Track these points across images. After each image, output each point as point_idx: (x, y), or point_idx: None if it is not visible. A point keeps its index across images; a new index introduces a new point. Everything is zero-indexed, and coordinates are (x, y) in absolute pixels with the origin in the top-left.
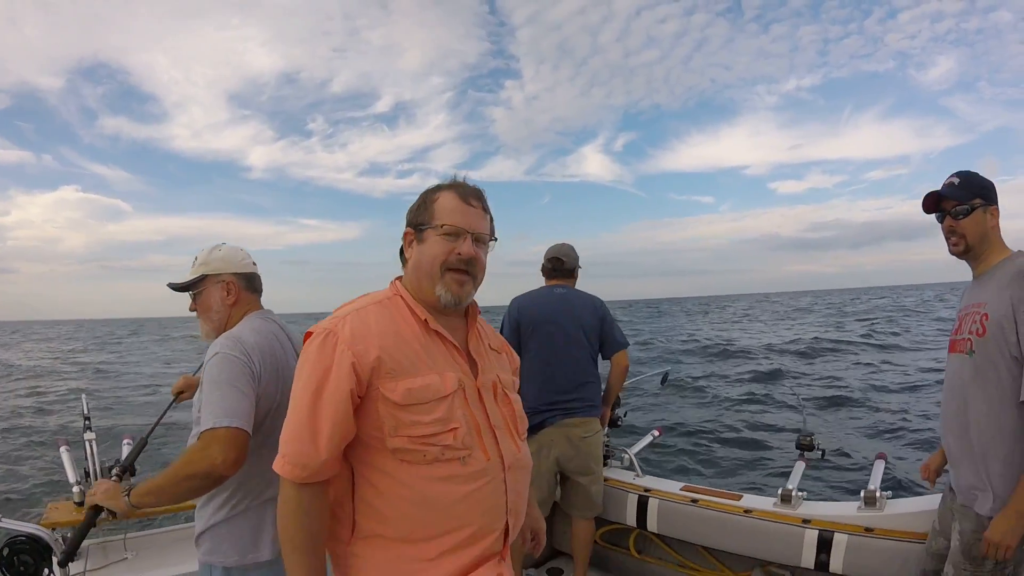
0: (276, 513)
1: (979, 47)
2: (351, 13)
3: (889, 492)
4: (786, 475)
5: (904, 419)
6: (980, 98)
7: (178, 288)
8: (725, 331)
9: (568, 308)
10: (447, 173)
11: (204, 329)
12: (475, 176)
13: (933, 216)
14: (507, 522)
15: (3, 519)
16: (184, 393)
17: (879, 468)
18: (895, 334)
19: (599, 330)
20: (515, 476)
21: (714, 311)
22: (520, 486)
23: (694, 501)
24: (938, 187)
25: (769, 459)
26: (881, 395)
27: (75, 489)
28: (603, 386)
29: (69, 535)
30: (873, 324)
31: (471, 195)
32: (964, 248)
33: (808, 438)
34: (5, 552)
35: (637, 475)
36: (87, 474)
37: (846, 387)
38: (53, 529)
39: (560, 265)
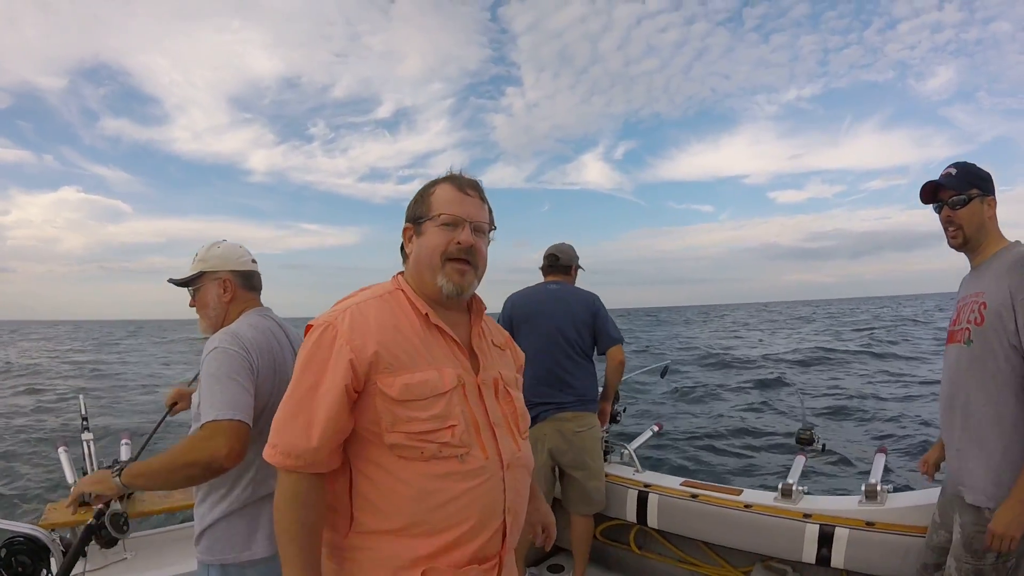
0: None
1: (978, 57)
2: (352, 18)
3: (890, 486)
4: (786, 470)
5: (901, 425)
6: (979, 108)
7: (177, 283)
8: (724, 340)
9: (560, 303)
10: None
11: (202, 325)
12: None
13: (932, 220)
14: (505, 521)
15: (0, 520)
16: (178, 404)
17: (880, 461)
18: (892, 343)
19: (592, 325)
20: (514, 475)
21: (713, 320)
22: (520, 485)
23: (694, 496)
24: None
25: (769, 454)
26: (880, 401)
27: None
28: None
29: (67, 536)
30: (872, 334)
31: (467, 185)
32: (962, 240)
33: (808, 432)
34: (3, 553)
35: (637, 470)
36: (85, 474)
37: (845, 391)
38: (52, 530)
39: (555, 261)
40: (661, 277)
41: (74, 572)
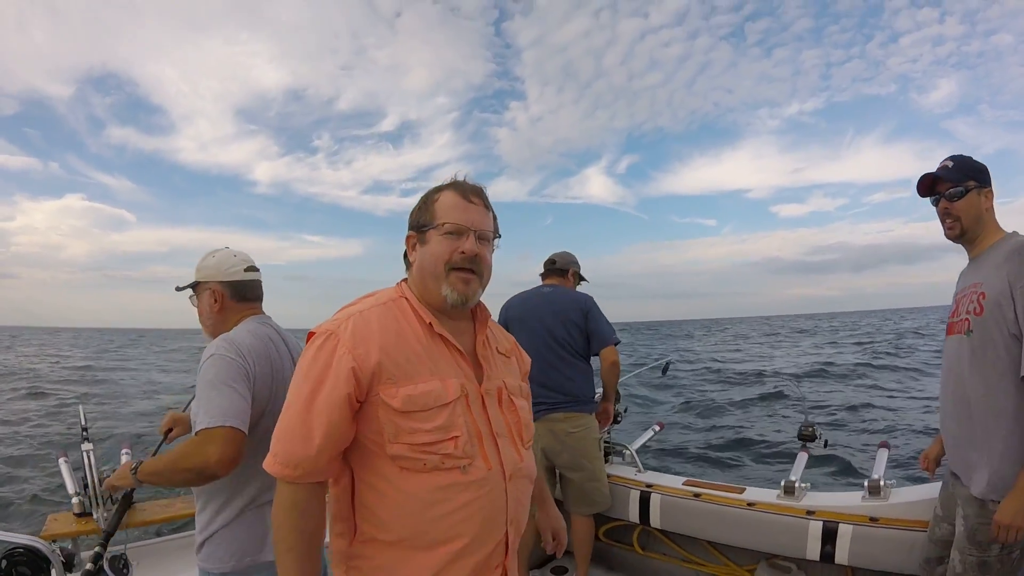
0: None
1: (980, 70)
2: (359, 32)
3: (893, 481)
4: (789, 467)
5: (903, 421)
6: (981, 120)
7: (180, 290)
8: (726, 352)
9: (551, 304)
10: None
11: (203, 332)
12: None
13: (935, 233)
14: (507, 532)
15: (1, 532)
16: (174, 430)
17: (883, 457)
18: (890, 353)
19: (584, 325)
20: (516, 485)
21: (715, 333)
22: (522, 495)
23: (697, 495)
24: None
25: (771, 451)
26: (880, 401)
27: (74, 500)
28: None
29: (68, 546)
30: (873, 346)
31: (471, 192)
32: (959, 231)
33: (810, 428)
34: (3, 564)
35: (639, 471)
36: (85, 485)
37: (845, 395)
38: (53, 541)
39: (551, 265)
40: (663, 291)
41: None
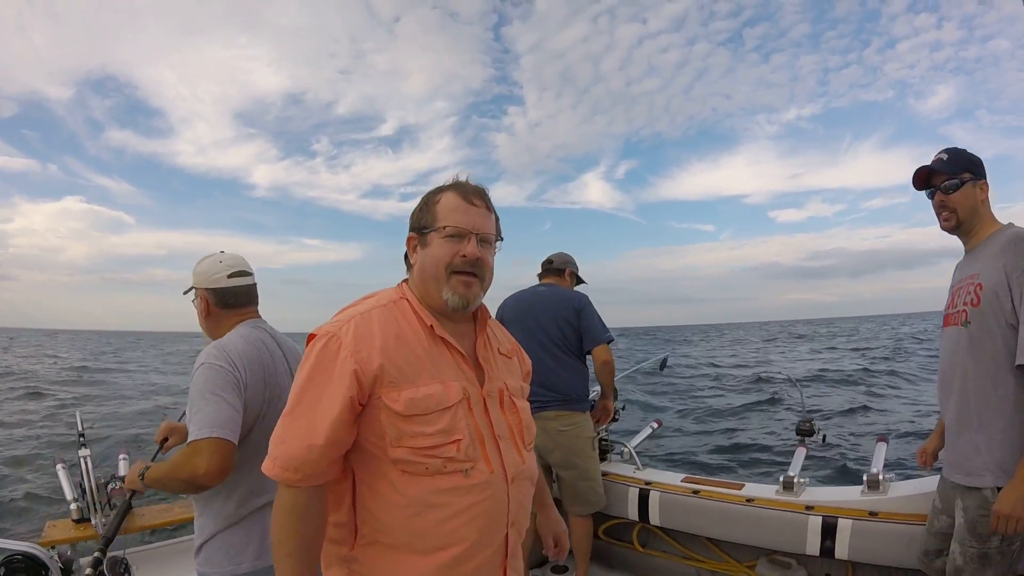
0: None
1: (977, 75)
2: (357, 36)
3: (892, 475)
4: (787, 462)
5: (901, 416)
6: (979, 126)
7: (185, 293)
8: (724, 357)
9: (545, 303)
10: None
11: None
12: None
13: (934, 239)
14: (507, 535)
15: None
16: (170, 440)
17: (881, 451)
18: (887, 358)
19: (577, 324)
20: (518, 488)
21: (713, 338)
22: (524, 498)
23: (696, 492)
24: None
25: (769, 447)
26: (876, 411)
27: (72, 506)
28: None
29: (67, 552)
30: (870, 352)
31: (473, 194)
32: (955, 223)
33: (808, 423)
34: (2, 571)
35: (637, 468)
36: (83, 491)
37: (844, 404)
38: (52, 547)
39: (548, 265)
40: (661, 296)
41: None
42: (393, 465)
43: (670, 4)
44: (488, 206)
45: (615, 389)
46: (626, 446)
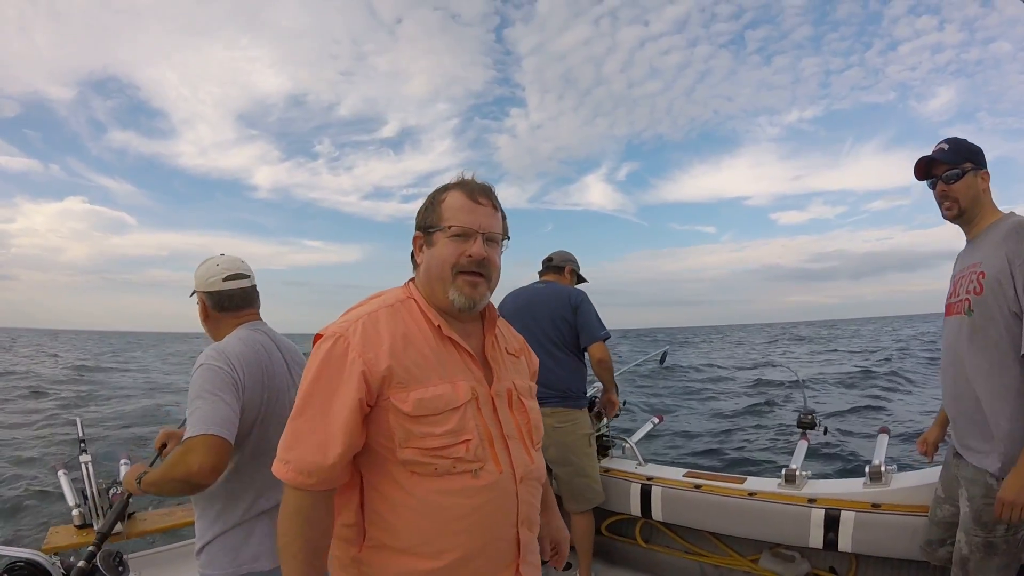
0: (272, 524)
1: (979, 78)
2: (359, 38)
3: (894, 466)
4: (789, 455)
5: (902, 410)
6: (980, 128)
7: (191, 296)
8: (724, 359)
9: (543, 299)
10: None
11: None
12: None
13: (935, 241)
14: (519, 533)
15: (1, 546)
16: (168, 446)
17: (883, 442)
18: (888, 360)
19: (573, 320)
20: (527, 487)
21: (714, 340)
22: (532, 497)
23: (698, 487)
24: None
25: (770, 445)
26: (876, 410)
27: (74, 512)
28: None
29: (70, 559)
30: (872, 354)
31: (479, 193)
32: (957, 212)
33: (809, 416)
34: None
35: (639, 464)
36: (85, 497)
37: (845, 405)
38: (55, 554)
39: (548, 262)
40: (662, 298)
41: None
42: (402, 466)
43: (672, 6)
44: (495, 204)
45: (615, 384)
46: (627, 442)
